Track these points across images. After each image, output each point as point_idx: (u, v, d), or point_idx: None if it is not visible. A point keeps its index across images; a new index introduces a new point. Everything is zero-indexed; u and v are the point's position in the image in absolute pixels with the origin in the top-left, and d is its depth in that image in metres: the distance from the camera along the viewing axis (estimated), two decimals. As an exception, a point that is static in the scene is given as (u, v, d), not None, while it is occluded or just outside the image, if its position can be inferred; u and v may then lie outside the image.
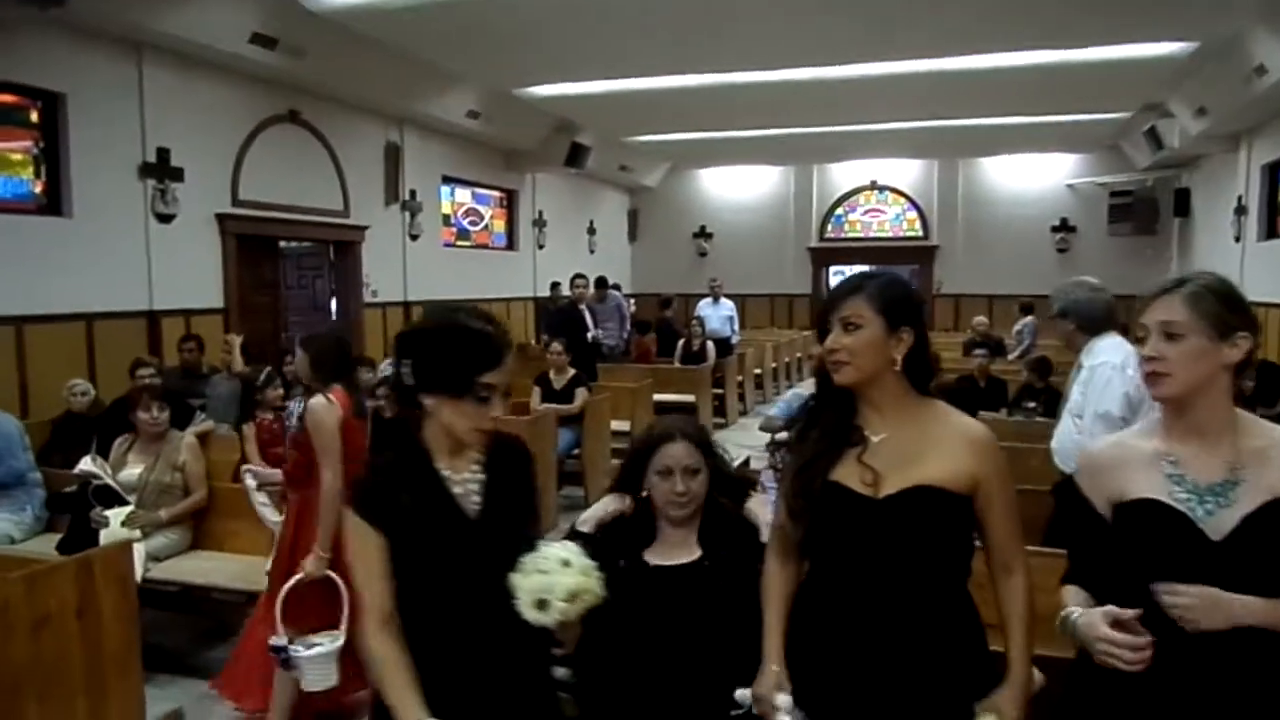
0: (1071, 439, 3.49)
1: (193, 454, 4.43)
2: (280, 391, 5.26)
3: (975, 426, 1.82)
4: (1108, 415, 3.37)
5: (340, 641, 3.26)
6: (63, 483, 4.54)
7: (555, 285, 12.29)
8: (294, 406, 3.62)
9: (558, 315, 8.78)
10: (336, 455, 3.31)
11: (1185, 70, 9.54)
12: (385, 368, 8.52)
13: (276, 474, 4.02)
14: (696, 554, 2.13)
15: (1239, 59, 8.74)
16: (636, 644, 2.08)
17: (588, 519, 2.35)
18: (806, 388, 5.47)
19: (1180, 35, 8.59)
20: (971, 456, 1.73)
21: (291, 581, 3.25)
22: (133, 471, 4.18)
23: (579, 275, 9.64)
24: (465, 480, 1.85)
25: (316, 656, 3.18)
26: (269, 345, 8.31)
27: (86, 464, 4.19)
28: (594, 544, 2.23)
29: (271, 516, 3.89)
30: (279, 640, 3.18)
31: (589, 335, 8.89)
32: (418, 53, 8.98)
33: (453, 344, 1.77)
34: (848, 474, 1.77)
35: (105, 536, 3.81)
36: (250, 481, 4.08)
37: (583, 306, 8.83)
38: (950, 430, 1.78)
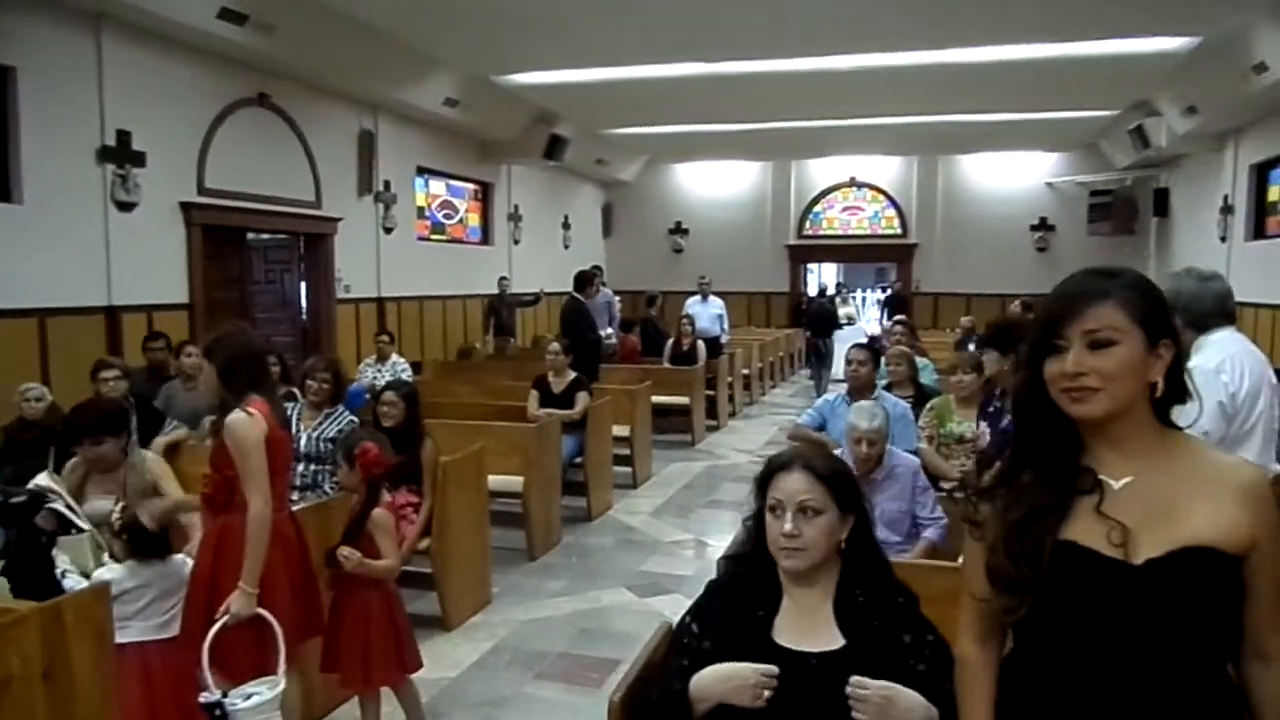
0: None
1: (161, 472, 3.81)
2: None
3: (1245, 468, 1.43)
4: (1191, 427, 2.98)
5: (281, 686, 2.83)
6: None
7: (503, 280, 11.87)
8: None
9: (563, 312, 8.34)
10: (263, 477, 2.88)
11: (1181, 67, 9.38)
12: (364, 370, 8.05)
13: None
14: (837, 639, 1.72)
15: (1238, 56, 8.60)
16: None
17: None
18: (837, 391, 5.14)
19: (1185, 30, 8.43)
20: (1245, 508, 1.34)
21: (217, 625, 2.81)
22: (100, 505, 3.61)
23: (596, 266, 9.35)
24: None
25: (258, 707, 2.75)
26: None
27: (43, 480, 3.62)
28: (724, 591, 1.85)
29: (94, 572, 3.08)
30: (210, 696, 2.73)
31: (605, 333, 8.50)
32: (395, 34, 8.51)
33: None
34: (1085, 531, 1.37)
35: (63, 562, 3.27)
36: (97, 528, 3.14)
37: (590, 303, 8.38)
38: (1213, 473, 1.39)
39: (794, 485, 1.77)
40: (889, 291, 15.63)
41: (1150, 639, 1.33)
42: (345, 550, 3.08)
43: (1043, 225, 15.74)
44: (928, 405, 4.88)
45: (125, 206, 6.94)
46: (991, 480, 1.50)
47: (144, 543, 3.10)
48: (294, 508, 3.76)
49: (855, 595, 1.76)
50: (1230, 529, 1.33)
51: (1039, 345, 1.41)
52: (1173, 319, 1.41)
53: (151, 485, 3.73)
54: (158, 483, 3.76)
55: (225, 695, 2.76)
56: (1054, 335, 1.39)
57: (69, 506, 3.39)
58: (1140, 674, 1.34)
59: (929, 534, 3.71)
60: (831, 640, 1.71)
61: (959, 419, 4.65)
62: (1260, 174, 10.90)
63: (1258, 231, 10.93)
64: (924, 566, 2.89)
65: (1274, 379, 3.09)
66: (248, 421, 2.88)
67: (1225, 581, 1.33)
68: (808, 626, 1.74)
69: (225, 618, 2.82)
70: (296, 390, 5.38)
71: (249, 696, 2.77)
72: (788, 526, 1.74)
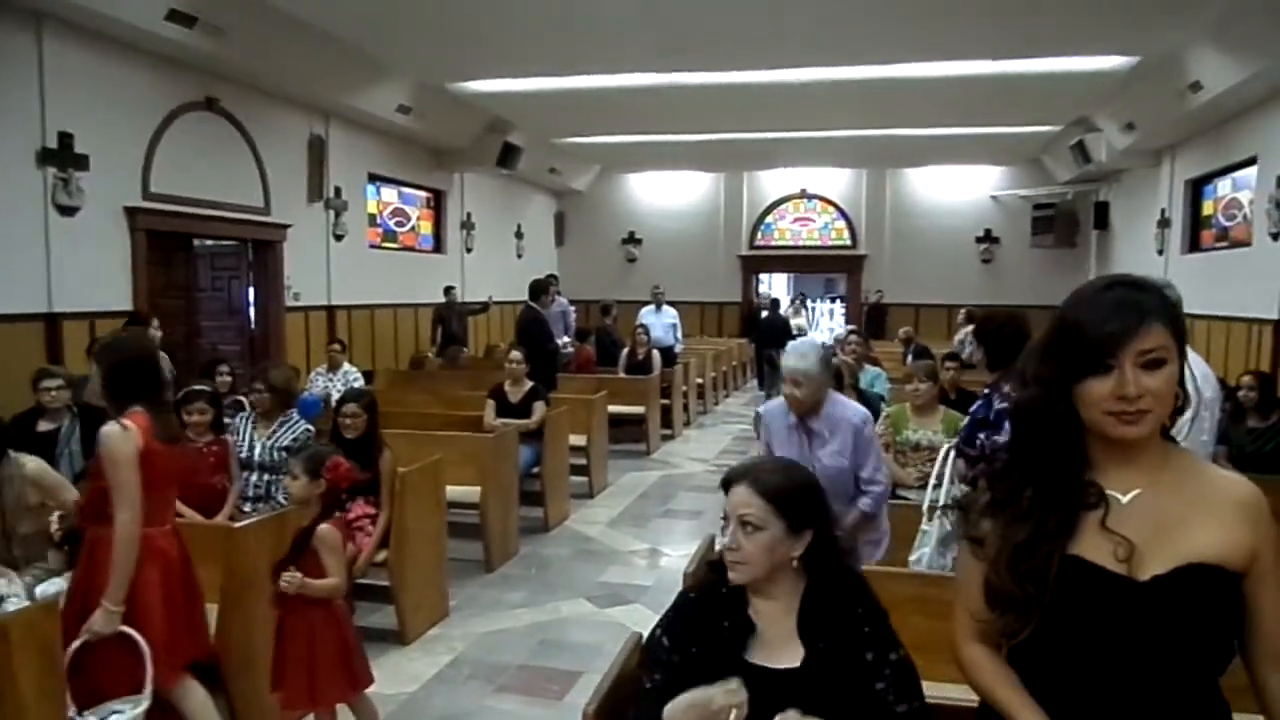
0: None
1: (53, 483, 3.56)
2: (207, 414, 4.50)
3: (1242, 484, 1.42)
4: (1186, 439, 3.05)
5: (144, 706, 2.76)
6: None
7: (449, 290, 11.75)
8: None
9: (519, 321, 8.29)
10: (133, 493, 2.78)
11: (1120, 85, 9.68)
12: (315, 379, 7.91)
13: None
14: (799, 655, 1.71)
15: (1175, 75, 8.89)
16: None
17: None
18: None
19: (1124, 50, 8.68)
20: (1245, 523, 1.36)
21: (77, 642, 2.72)
22: None
23: (551, 275, 9.27)
24: None
25: None
26: (180, 354, 7.57)
27: None
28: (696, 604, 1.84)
29: None
30: (66, 712, 2.67)
31: (562, 342, 8.46)
32: (348, 39, 8.41)
33: None
34: (1091, 547, 1.36)
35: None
36: None
37: (545, 312, 8.35)
38: (1213, 488, 1.39)
39: (737, 499, 1.77)
40: (871, 301, 15.93)
41: (1151, 655, 1.33)
42: (286, 576, 2.96)
43: (987, 237, 16.08)
44: (883, 414, 4.96)
45: (67, 211, 6.73)
46: (993, 497, 1.48)
47: None
48: (245, 521, 3.69)
49: (821, 611, 1.74)
50: (1235, 545, 1.35)
51: (1080, 364, 1.35)
52: None
53: (34, 501, 3.49)
54: (58, 492, 3.54)
55: (80, 714, 2.69)
56: (1107, 354, 1.33)
57: None
58: (1136, 689, 1.34)
59: (863, 504, 3.42)
60: (794, 657, 1.70)
61: (915, 426, 4.74)
62: (1195, 189, 11.25)
63: (1193, 245, 11.28)
64: (889, 574, 2.92)
65: (1212, 394, 3.15)
66: (120, 435, 2.80)
67: (1227, 598, 1.35)
68: (773, 641, 1.73)
69: (86, 635, 2.75)
70: (245, 400, 5.28)
71: (109, 715, 2.70)
72: (726, 540, 1.75)
